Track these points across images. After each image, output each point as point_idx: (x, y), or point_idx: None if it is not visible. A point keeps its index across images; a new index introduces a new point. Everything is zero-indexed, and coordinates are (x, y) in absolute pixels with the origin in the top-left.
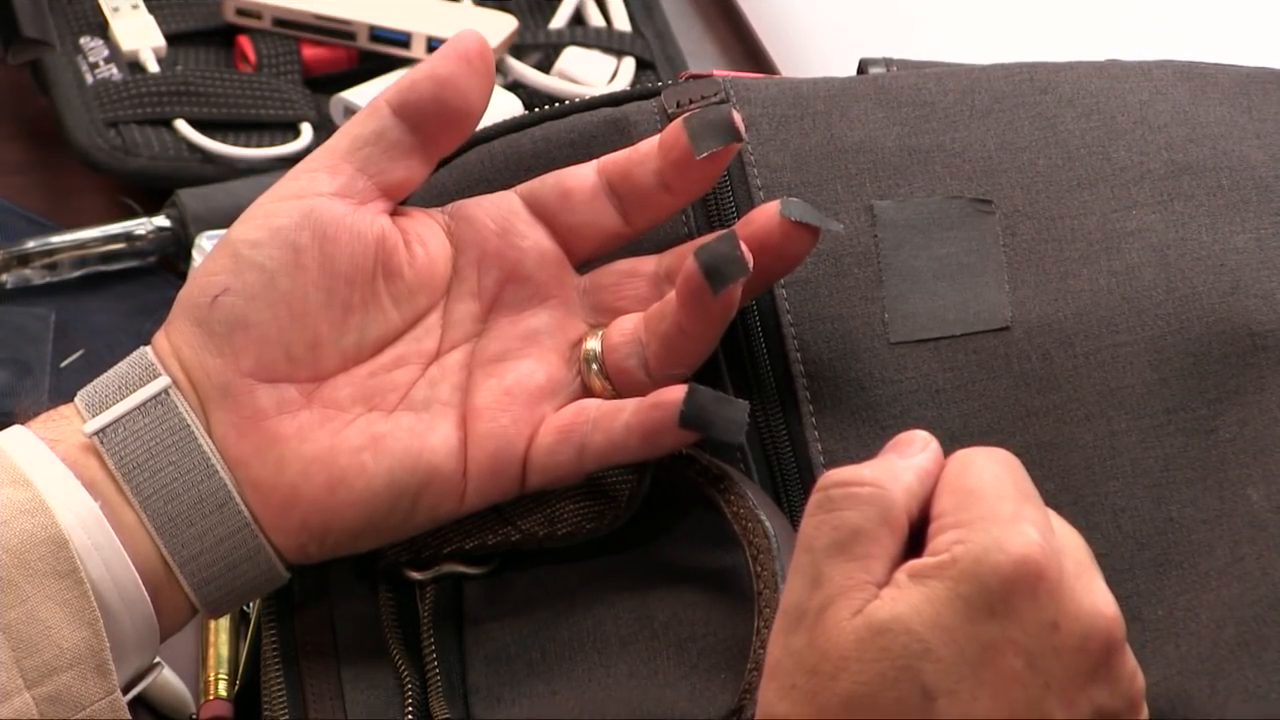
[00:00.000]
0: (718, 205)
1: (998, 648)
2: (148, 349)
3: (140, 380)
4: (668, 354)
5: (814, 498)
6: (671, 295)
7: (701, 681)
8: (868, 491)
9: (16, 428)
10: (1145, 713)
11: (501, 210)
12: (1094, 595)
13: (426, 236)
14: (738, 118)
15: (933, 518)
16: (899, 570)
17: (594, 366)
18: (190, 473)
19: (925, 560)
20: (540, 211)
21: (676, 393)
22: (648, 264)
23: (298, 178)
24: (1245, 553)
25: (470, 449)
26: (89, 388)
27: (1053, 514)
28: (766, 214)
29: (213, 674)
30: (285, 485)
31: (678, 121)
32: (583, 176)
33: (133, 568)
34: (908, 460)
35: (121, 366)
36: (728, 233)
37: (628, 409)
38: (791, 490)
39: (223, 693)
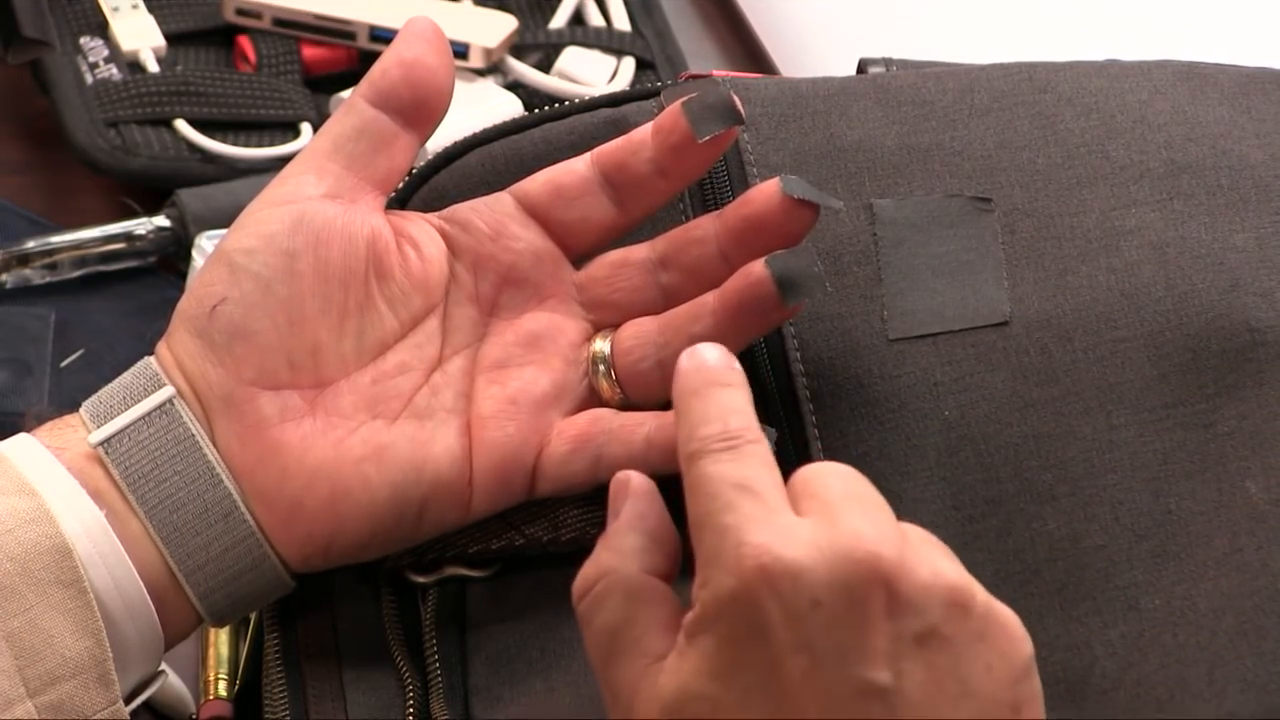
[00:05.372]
0: (716, 202)
1: (776, 660)
2: (151, 359)
3: (144, 390)
4: None
5: (577, 613)
6: (704, 298)
7: None
8: (602, 586)
9: (21, 436)
10: (977, 612)
11: (494, 213)
12: (798, 554)
13: (421, 239)
14: (737, 100)
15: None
16: (680, 631)
17: (602, 368)
18: (195, 482)
19: (689, 616)
20: (533, 210)
21: None
22: (639, 252)
23: (285, 182)
24: (1244, 544)
25: (476, 458)
26: (94, 398)
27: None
28: (767, 192)
29: (213, 674)
30: (289, 496)
31: (675, 106)
32: (574, 171)
33: (138, 577)
34: (620, 522)
35: (126, 377)
36: (805, 246)
37: (649, 423)
38: None
39: (223, 693)
